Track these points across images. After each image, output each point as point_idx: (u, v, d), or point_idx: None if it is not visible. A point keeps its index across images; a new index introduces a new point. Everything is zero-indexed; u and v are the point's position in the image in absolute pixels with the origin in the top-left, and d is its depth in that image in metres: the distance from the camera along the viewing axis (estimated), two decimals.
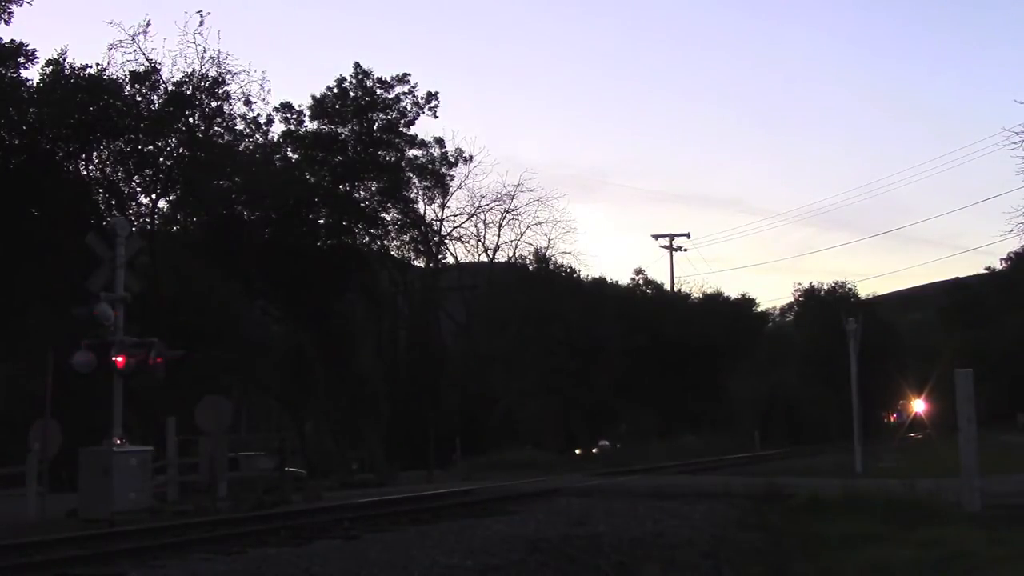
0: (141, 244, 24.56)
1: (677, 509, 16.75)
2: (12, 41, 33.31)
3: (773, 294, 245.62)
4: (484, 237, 57.82)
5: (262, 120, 41.74)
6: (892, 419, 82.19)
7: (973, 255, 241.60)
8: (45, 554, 12.59)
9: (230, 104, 38.65)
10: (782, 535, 13.47)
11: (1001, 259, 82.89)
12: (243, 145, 40.97)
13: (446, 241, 56.59)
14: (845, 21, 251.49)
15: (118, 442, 19.06)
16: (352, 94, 47.23)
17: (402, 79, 47.61)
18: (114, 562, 11.97)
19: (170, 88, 37.08)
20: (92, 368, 19.24)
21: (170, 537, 14.33)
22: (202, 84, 37.69)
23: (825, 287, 78.47)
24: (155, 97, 37.11)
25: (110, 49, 35.85)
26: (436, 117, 48.61)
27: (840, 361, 33.60)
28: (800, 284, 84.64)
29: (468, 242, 57.56)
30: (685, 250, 71.75)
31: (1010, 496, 16.31)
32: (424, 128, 55.17)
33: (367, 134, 47.28)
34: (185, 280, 35.53)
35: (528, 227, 57.73)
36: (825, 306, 70.05)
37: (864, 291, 79.65)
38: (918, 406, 61.84)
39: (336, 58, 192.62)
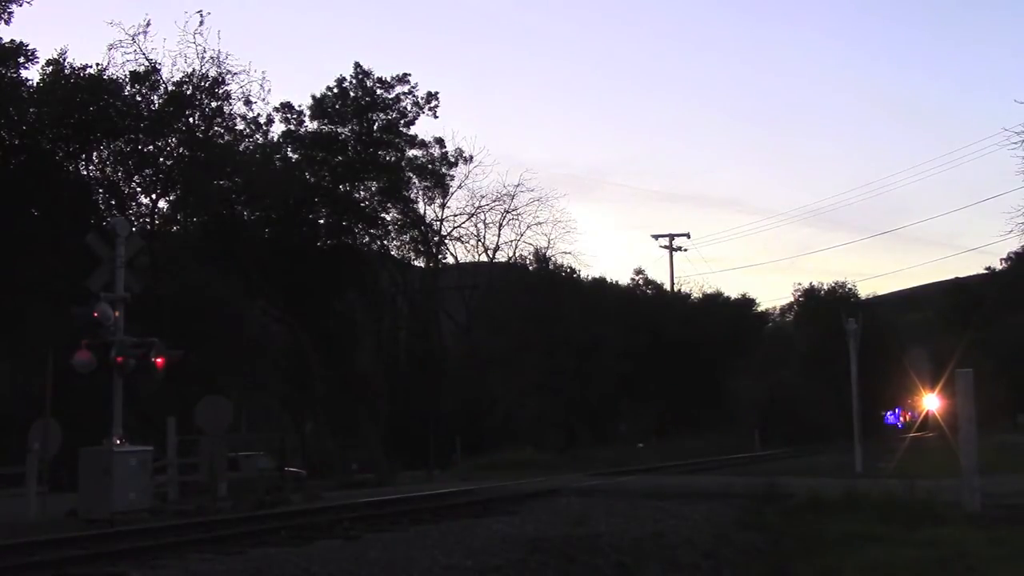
0: (141, 244, 24.52)
1: (677, 509, 16.75)
2: (12, 41, 33.27)
3: (773, 294, 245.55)
4: (484, 237, 57.68)
5: (262, 120, 41.76)
6: (907, 418, 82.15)
7: (973, 255, 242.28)
8: (45, 554, 12.59)
9: (230, 104, 38.70)
10: (782, 535, 13.48)
11: (1001, 259, 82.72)
12: (243, 145, 40.93)
13: (446, 241, 56.48)
14: (845, 21, 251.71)
15: (118, 442, 19.06)
16: (352, 94, 47.14)
17: (402, 79, 47.55)
18: (114, 562, 11.97)
19: (170, 88, 37.09)
20: (92, 368, 19.22)
21: (170, 537, 14.33)
22: (202, 84, 37.69)
23: (825, 287, 78.47)
24: (155, 97, 37.11)
25: (110, 49, 35.88)
26: (436, 117, 48.54)
27: (840, 361, 33.57)
28: (800, 284, 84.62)
29: (468, 242, 57.42)
30: (685, 250, 71.86)
31: (1010, 496, 16.32)
32: (424, 128, 55.05)
33: (367, 134, 47.20)
34: (185, 280, 35.45)
35: (528, 227, 57.55)
36: (825, 306, 69.94)
37: (864, 291, 79.73)
38: (931, 404, 61.48)
39: (336, 58, 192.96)
